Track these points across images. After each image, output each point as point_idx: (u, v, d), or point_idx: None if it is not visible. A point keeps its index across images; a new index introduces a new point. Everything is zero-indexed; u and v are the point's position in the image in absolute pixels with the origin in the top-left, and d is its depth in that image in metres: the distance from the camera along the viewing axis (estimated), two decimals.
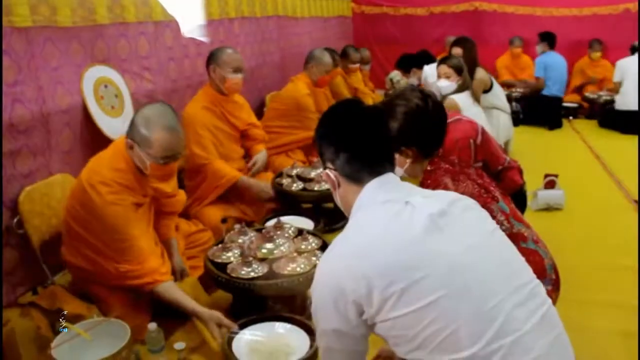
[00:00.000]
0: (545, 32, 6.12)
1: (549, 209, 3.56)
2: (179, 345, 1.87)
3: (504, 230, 1.68)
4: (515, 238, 1.73)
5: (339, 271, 1.15)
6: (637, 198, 3.73)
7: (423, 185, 1.80)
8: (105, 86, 2.65)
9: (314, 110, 3.75)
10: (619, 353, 2.09)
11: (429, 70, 4.46)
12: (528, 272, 1.24)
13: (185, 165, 3.05)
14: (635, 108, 5.59)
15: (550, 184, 3.58)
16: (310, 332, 1.84)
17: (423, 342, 1.09)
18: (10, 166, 2.14)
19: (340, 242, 1.21)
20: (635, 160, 4.44)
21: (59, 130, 2.39)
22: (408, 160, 1.82)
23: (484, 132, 2.51)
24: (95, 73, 2.60)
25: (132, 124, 1.98)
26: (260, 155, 3.23)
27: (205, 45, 3.66)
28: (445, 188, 1.71)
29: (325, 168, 1.34)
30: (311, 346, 1.79)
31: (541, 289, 1.23)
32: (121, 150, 2.04)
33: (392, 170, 1.30)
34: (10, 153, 2.14)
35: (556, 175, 3.58)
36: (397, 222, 1.17)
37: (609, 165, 4.58)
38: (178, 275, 2.33)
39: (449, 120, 2.50)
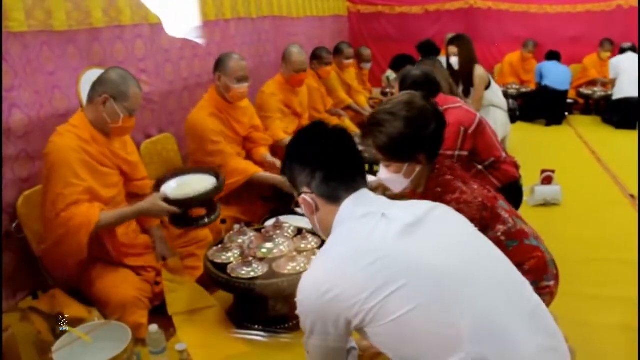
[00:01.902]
0: (550, 52, 6.31)
1: (546, 204, 3.58)
2: (180, 346, 1.88)
3: (509, 228, 1.72)
4: (519, 235, 1.74)
5: (320, 286, 1.16)
6: (632, 193, 3.75)
7: (429, 193, 1.77)
8: None
9: (274, 110, 3.61)
10: (619, 347, 2.10)
11: None
12: (513, 271, 1.26)
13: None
14: (631, 94, 5.74)
15: (547, 180, 3.59)
16: (217, 176, 2.41)
17: (412, 348, 1.11)
18: (8, 171, 2.15)
19: (320, 256, 1.24)
20: (631, 155, 4.47)
21: None
22: (417, 168, 1.77)
23: (481, 124, 2.54)
24: (92, 76, 2.58)
25: (106, 81, 2.15)
26: (275, 159, 3.22)
27: (202, 46, 3.66)
28: (461, 193, 1.71)
29: (299, 194, 1.34)
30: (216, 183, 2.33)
31: (527, 286, 1.24)
32: (78, 115, 2.18)
33: (365, 185, 1.33)
34: (8, 158, 2.14)
35: (553, 171, 3.60)
36: (374, 234, 1.18)
37: (605, 160, 4.61)
38: (160, 259, 2.39)
39: (449, 106, 2.56)
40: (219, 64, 2.92)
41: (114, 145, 2.26)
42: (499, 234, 1.72)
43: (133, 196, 2.38)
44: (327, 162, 1.29)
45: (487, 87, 3.91)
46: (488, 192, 1.78)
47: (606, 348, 2.09)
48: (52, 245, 2.07)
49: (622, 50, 6.27)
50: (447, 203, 1.65)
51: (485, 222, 1.71)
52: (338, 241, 1.24)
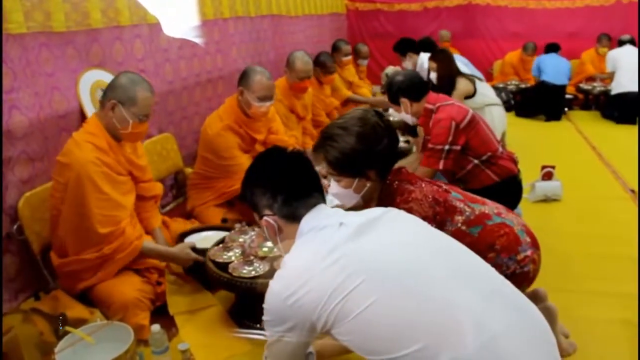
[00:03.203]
0: (549, 44, 6.26)
1: (546, 200, 3.58)
2: (183, 345, 1.88)
3: (468, 216, 1.77)
4: (480, 220, 1.77)
5: (284, 292, 1.23)
6: (633, 188, 3.75)
7: (381, 205, 1.77)
8: (102, 90, 2.64)
9: (280, 116, 3.50)
10: (620, 341, 2.10)
11: (425, 57, 4.47)
12: (469, 257, 1.31)
13: (202, 170, 3.01)
14: (630, 89, 5.72)
15: (547, 175, 3.59)
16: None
17: (376, 342, 1.16)
18: (9, 173, 2.15)
19: (283, 266, 1.31)
20: (631, 150, 4.47)
21: (56, 136, 2.40)
22: (368, 184, 1.79)
23: (473, 119, 2.59)
24: (91, 77, 2.60)
25: (115, 87, 2.13)
26: None
27: (201, 46, 3.66)
28: (409, 193, 1.74)
29: (261, 218, 1.41)
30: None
31: (487, 268, 1.29)
32: (92, 120, 2.17)
33: (323, 200, 1.41)
34: (8, 160, 2.14)
35: (553, 167, 3.60)
36: (332, 240, 1.25)
37: (606, 155, 4.60)
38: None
39: (442, 103, 2.64)
40: (244, 78, 2.84)
41: (126, 150, 2.26)
42: (459, 224, 1.76)
43: (139, 198, 2.37)
44: (287, 184, 1.38)
45: (473, 94, 3.88)
46: (438, 188, 1.82)
47: (607, 343, 2.09)
48: (80, 262, 2.08)
49: (621, 43, 6.22)
50: (397, 205, 1.70)
51: (440, 216, 1.74)
52: (298, 251, 1.32)
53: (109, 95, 2.13)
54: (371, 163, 1.76)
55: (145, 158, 2.46)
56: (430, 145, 2.61)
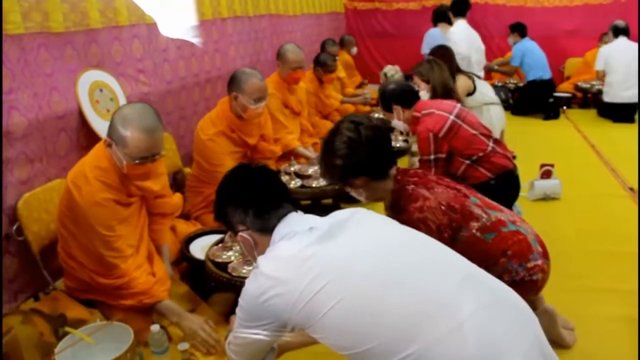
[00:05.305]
0: (514, 23, 6.14)
1: (545, 198, 3.58)
2: (183, 345, 1.88)
3: (484, 222, 1.78)
4: (496, 226, 1.78)
5: (256, 290, 1.29)
6: (632, 186, 3.75)
7: (395, 205, 1.82)
8: (101, 90, 2.65)
9: (275, 110, 3.52)
10: (621, 338, 2.11)
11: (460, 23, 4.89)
12: (440, 249, 1.34)
13: (196, 172, 2.99)
14: (622, 100, 5.61)
15: (546, 174, 3.60)
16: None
17: (346, 338, 1.20)
18: (8, 173, 2.14)
19: (257, 266, 1.34)
20: (630, 148, 4.48)
21: (55, 136, 2.39)
22: (361, 189, 1.83)
23: (454, 125, 2.65)
24: (89, 77, 2.60)
25: (111, 122, 1.94)
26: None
27: (199, 46, 3.66)
28: (424, 200, 1.74)
29: (236, 234, 1.45)
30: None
31: (455, 256, 1.32)
32: (103, 148, 2.02)
33: (293, 209, 1.46)
34: (7, 160, 2.14)
35: (552, 165, 3.60)
36: (300, 244, 1.29)
37: (604, 153, 4.61)
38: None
39: (426, 111, 2.73)
40: (235, 83, 2.80)
41: None
42: (474, 230, 1.77)
43: (150, 214, 2.29)
44: (256, 198, 1.43)
45: (473, 91, 3.87)
46: (457, 192, 1.82)
47: (607, 340, 2.10)
48: (96, 277, 2.04)
49: (616, 32, 5.81)
50: (411, 212, 1.71)
51: (457, 223, 1.75)
52: (271, 254, 1.35)
53: (108, 131, 1.96)
54: (352, 173, 1.82)
55: (164, 178, 2.30)
56: (419, 157, 2.76)
